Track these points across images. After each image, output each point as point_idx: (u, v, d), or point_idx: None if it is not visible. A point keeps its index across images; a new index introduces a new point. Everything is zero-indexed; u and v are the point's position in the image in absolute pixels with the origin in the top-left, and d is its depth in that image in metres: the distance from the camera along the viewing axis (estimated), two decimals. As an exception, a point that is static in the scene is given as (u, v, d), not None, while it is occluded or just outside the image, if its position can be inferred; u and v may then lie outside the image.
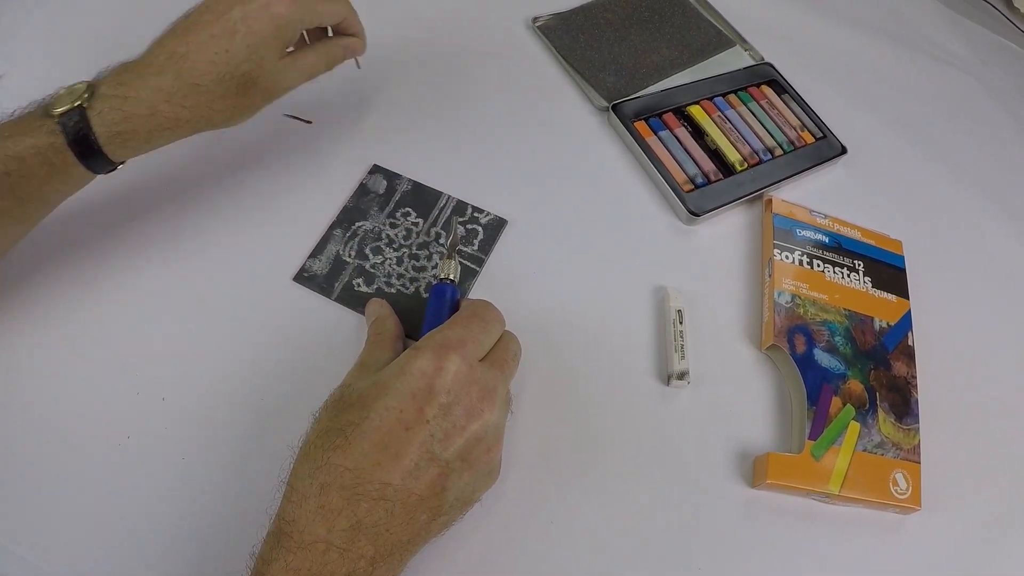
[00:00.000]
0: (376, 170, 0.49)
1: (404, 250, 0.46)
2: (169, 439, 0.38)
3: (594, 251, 0.48)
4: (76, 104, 0.34)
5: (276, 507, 0.30)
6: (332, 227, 0.46)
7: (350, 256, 0.45)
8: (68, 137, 0.34)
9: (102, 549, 0.35)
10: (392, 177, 0.49)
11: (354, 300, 0.43)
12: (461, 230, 0.42)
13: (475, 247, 0.46)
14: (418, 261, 0.45)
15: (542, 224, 0.49)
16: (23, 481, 0.36)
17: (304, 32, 0.42)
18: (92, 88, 0.35)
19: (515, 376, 0.36)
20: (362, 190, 0.48)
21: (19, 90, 0.50)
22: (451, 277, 0.40)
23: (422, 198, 0.48)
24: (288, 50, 0.40)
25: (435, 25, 0.58)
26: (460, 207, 0.48)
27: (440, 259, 0.40)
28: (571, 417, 0.41)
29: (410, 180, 0.48)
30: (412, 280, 0.44)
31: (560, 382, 0.42)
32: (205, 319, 0.42)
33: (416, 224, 0.47)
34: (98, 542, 0.35)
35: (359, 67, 0.48)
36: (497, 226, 0.47)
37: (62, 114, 0.34)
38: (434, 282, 0.42)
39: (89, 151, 0.35)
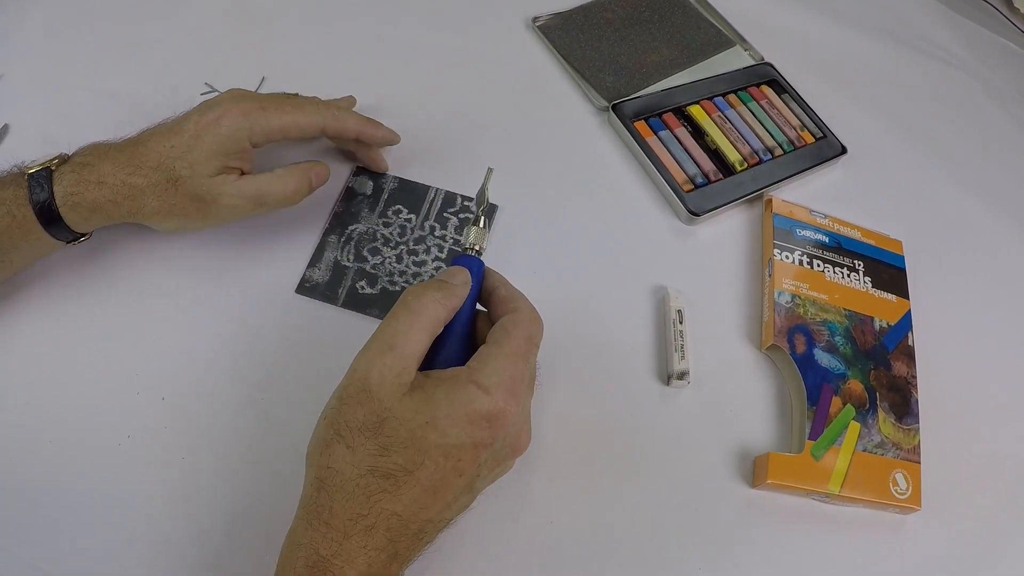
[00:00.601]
0: (360, 171, 0.49)
1: (402, 247, 0.46)
2: (169, 439, 0.38)
3: (594, 251, 0.48)
4: (46, 166, 0.37)
5: (305, 534, 0.28)
6: (326, 234, 0.46)
7: (349, 260, 0.45)
8: (31, 193, 0.36)
9: (102, 549, 0.35)
10: (376, 177, 0.49)
11: (361, 303, 0.43)
12: (487, 191, 0.36)
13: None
14: (417, 256, 0.45)
15: (542, 224, 0.49)
16: (23, 481, 0.36)
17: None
18: (66, 158, 0.38)
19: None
20: (349, 193, 0.48)
21: (19, 90, 0.50)
22: (477, 247, 0.35)
23: (410, 194, 0.48)
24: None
25: (435, 25, 0.59)
26: (449, 197, 0.48)
27: (467, 225, 0.36)
28: (571, 417, 0.41)
29: (395, 177, 0.49)
30: (415, 275, 0.45)
31: (560, 382, 0.42)
32: (207, 321, 0.42)
33: (409, 220, 0.47)
34: (98, 542, 0.35)
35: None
36: (488, 212, 0.47)
37: (32, 173, 0.37)
38: (457, 252, 0.38)
39: (48, 211, 0.37)
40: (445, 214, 0.47)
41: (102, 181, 0.37)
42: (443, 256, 0.46)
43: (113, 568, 0.34)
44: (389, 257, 0.45)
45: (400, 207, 0.47)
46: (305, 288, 0.43)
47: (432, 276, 0.45)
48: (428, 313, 0.31)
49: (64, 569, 0.34)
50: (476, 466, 0.30)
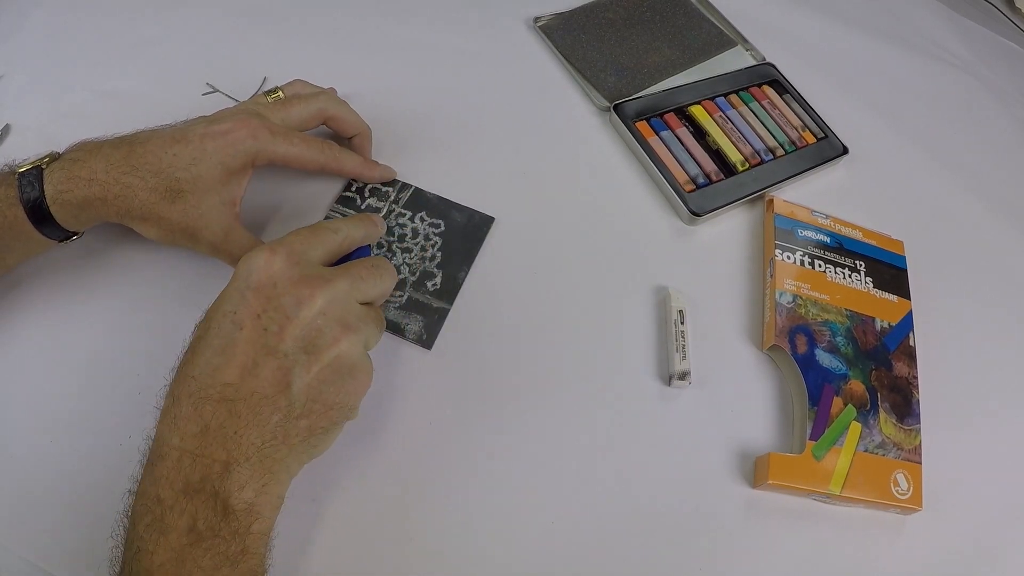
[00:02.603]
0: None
1: (396, 247, 0.46)
2: (170, 439, 0.38)
3: (595, 251, 0.48)
4: (37, 164, 0.37)
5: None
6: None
7: None
8: (22, 193, 0.36)
9: (103, 549, 0.35)
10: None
11: None
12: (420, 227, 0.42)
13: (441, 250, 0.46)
14: (411, 254, 0.45)
15: (543, 224, 0.49)
16: (24, 481, 0.36)
17: None
18: (57, 155, 0.38)
19: (379, 289, 0.35)
20: (345, 199, 0.47)
21: (20, 90, 0.50)
22: None
23: (416, 199, 0.48)
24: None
25: (435, 25, 0.58)
26: (418, 193, 0.48)
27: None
28: (571, 417, 0.41)
29: (402, 183, 0.48)
30: (413, 273, 0.44)
31: (560, 382, 0.42)
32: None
33: (406, 223, 0.47)
34: (98, 542, 0.35)
35: None
36: (481, 223, 0.47)
37: (23, 171, 0.36)
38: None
39: (39, 210, 0.36)
40: (434, 218, 0.47)
41: (92, 178, 0.37)
42: (439, 257, 0.46)
43: (114, 567, 0.34)
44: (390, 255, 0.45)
45: (403, 211, 0.47)
46: None
47: (427, 275, 0.45)
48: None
49: (64, 566, 0.34)
50: (255, 317, 0.30)
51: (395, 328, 0.42)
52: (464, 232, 0.47)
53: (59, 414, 0.38)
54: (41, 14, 0.55)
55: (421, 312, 0.43)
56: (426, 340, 0.42)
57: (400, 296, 0.44)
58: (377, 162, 0.48)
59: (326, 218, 0.46)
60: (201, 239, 0.40)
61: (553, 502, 0.38)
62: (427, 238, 0.46)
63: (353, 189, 0.48)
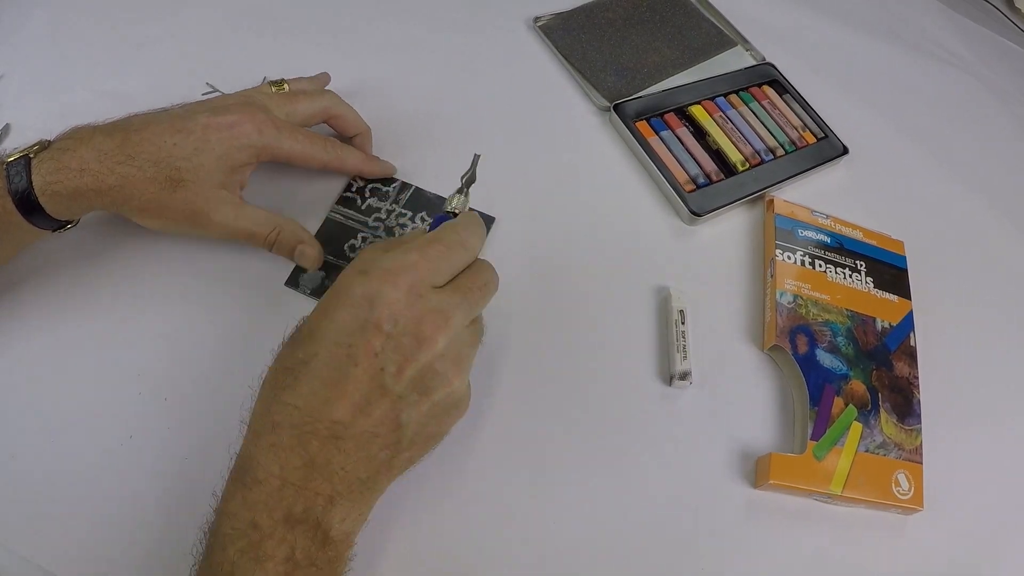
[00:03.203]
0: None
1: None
2: (171, 439, 0.38)
3: (596, 251, 0.48)
4: (24, 154, 0.35)
5: (240, 441, 0.31)
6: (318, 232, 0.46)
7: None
8: (9, 184, 0.35)
9: (103, 549, 0.35)
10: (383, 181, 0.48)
11: None
12: (477, 167, 0.40)
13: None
14: None
15: (544, 224, 0.48)
16: (24, 481, 0.36)
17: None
18: (46, 144, 0.36)
19: (486, 305, 0.34)
20: (346, 200, 0.47)
21: (19, 91, 0.50)
22: (455, 211, 0.38)
23: (416, 198, 0.48)
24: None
25: (435, 25, 0.58)
26: (418, 193, 0.48)
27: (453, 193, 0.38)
28: (573, 417, 0.41)
29: (402, 182, 0.48)
30: None
31: (561, 382, 0.42)
32: (208, 321, 0.42)
33: (405, 221, 0.47)
34: (99, 542, 0.35)
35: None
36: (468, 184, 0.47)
37: (10, 162, 0.35)
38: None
39: (27, 200, 0.35)
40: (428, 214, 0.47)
41: (84, 168, 0.35)
42: None
43: (114, 567, 0.34)
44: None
45: (403, 211, 0.47)
46: (295, 283, 0.43)
47: None
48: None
49: (65, 568, 0.34)
50: (372, 356, 0.29)
51: None
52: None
53: (59, 414, 0.38)
54: (41, 14, 0.55)
55: None
56: None
57: None
58: (378, 158, 0.48)
59: (327, 220, 0.46)
60: (210, 224, 0.39)
61: (553, 502, 0.38)
62: None
63: (353, 190, 0.48)
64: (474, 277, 0.34)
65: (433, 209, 0.47)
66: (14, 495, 0.36)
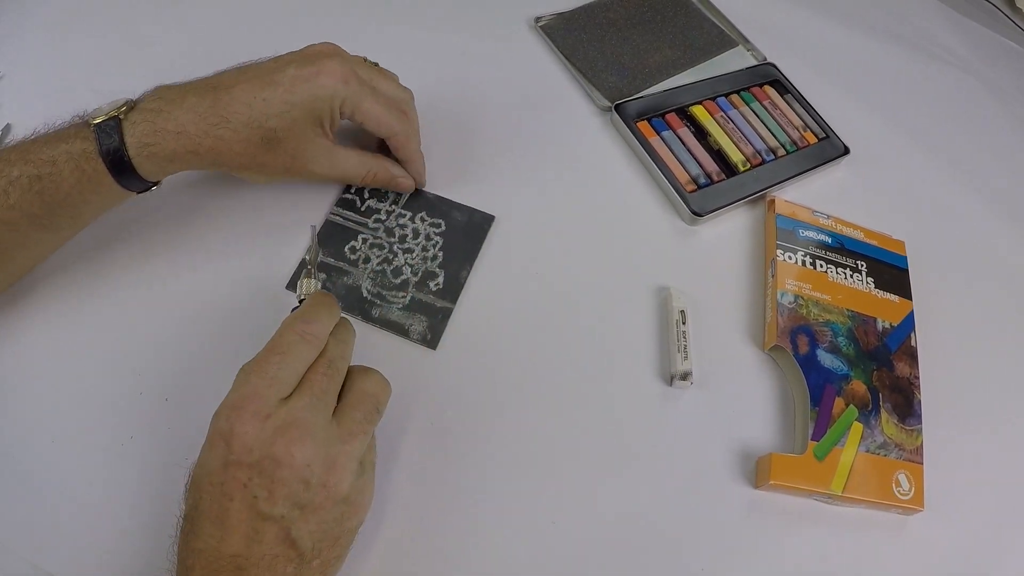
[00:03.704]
0: None
1: (396, 247, 0.46)
2: (172, 440, 0.38)
3: (596, 251, 0.48)
4: (113, 115, 0.35)
5: None
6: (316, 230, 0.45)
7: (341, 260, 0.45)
8: (101, 146, 0.35)
9: (103, 549, 0.35)
10: None
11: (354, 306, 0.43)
12: (314, 243, 0.40)
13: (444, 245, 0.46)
14: (412, 254, 0.45)
15: (544, 224, 0.48)
16: (25, 481, 0.36)
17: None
18: (133, 103, 0.37)
19: (339, 383, 0.33)
20: (345, 202, 0.47)
21: (19, 91, 0.50)
22: (303, 298, 0.37)
23: (414, 199, 0.48)
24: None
25: (437, 25, 0.58)
26: (418, 193, 0.48)
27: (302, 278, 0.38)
28: (573, 417, 0.41)
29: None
30: (399, 277, 0.45)
31: (562, 382, 0.42)
32: (210, 322, 0.42)
33: (404, 223, 0.47)
34: (99, 542, 0.35)
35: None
36: (482, 222, 0.47)
37: (99, 123, 0.35)
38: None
39: (120, 162, 0.35)
40: (435, 218, 0.47)
41: (181, 131, 0.36)
42: (441, 256, 0.46)
43: (115, 568, 0.34)
44: (378, 258, 0.45)
45: (403, 211, 0.47)
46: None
47: (429, 275, 0.45)
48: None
49: (66, 568, 0.34)
50: (242, 487, 0.29)
51: (399, 329, 0.42)
52: (465, 231, 0.47)
53: (59, 415, 0.38)
54: (42, 14, 0.55)
55: (425, 312, 0.43)
56: (431, 340, 0.42)
57: (403, 297, 0.44)
58: (424, 167, 0.47)
59: (326, 222, 0.46)
60: (308, 173, 0.41)
61: (554, 501, 0.38)
62: (428, 238, 0.46)
63: (353, 191, 0.48)
64: (315, 372, 0.32)
65: (433, 210, 0.47)
66: (14, 495, 0.36)
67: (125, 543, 0.35)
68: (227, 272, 0.43)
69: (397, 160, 0.45)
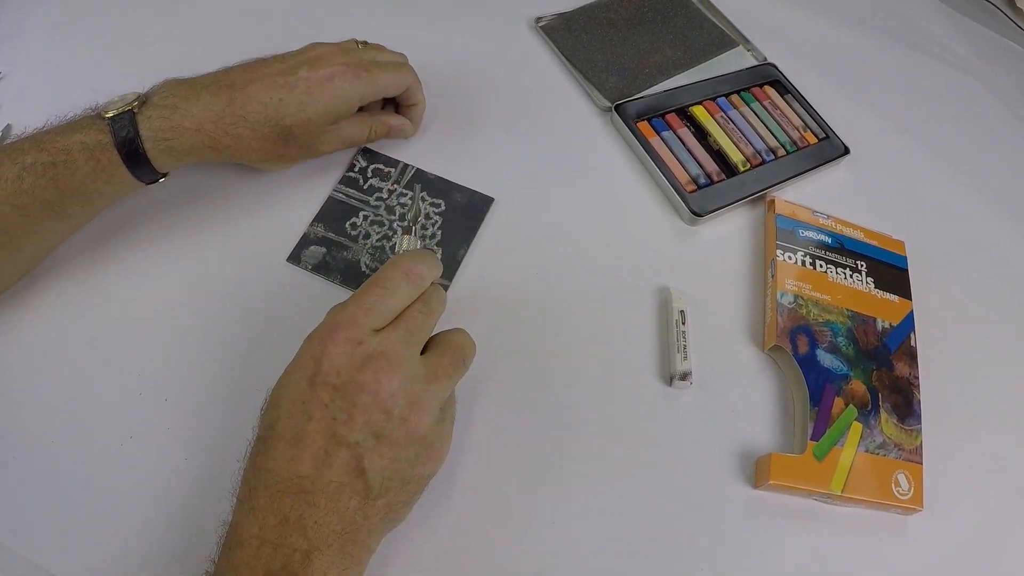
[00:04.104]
0: (366, 152, 0.49)
1: (396, 224, 0.46)
2: (171, 440, 0.38)
3: (596, 251, 0.48)
4: (127, 109, 0.37)
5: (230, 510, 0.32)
6: (316, 221, 0.46)
7: (343, 236, 0.45)
8: (116, 138, 0.36)
9: (103, 549, 0.35)
10: (388, 162, 0.49)
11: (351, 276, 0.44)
12: (421, 207, 0.42)
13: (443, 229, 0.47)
14: (410, 233, 0.46)
15: (545, 224, 0.49)
16: (25, 481, 0.36)
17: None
18: (144, 97, 0.38)
19: (431, 329, 0.35)
20: (349, 179, 0.48)
21: (19, 91, 0.50)
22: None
23: (417, 179, 0.49)
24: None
25: (437, 25, 0.58)
26: (420, 174, 0.49)
27: (399, 234, 0.40)
28: (573, 416, 0.41)
29: (409, 165, 0.49)
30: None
31: (562, 382, 0.42)
32: (208, 319, 0.42)
33: (404, 201, 0.48)
34: (99, 542, 0.35)
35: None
36: (481, 203, 0.48)
37: (113, 116, 0.36)
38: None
39: (134, 154, 0.37)
40: (435, 198, 0.48)
41: (199, 128, 0.37)
42: (439, 235, 0.46)
43: (114, 567, 0.34)
44: (378, 235, 0.46)
45: (404, 190, 0.48)
46: (309, 267, 0.44)
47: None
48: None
49: (66, 568, 0.34)
50: (323, 407, 0.30)
51: None
52: (464, 212, 0.48)
53: (59, 414, 0.38)
54: (42, 14, 0.55)
55: None
56: None
57: None
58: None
59: (329, 199, 0.47)
60: (320, 153, 0.44)
61: (553, 501, 0.38)
62: (428, 217, 0.47)
63: (356, 169, 0.48)
64: (413, 311, 0.34)
65: (434, 190, 0.48)
66: (14, 495, 0.36)
67: (125, 542, 0.35)
68: (226, 255, 0.44)
69: (403, 109, 0.48)
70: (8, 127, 0.48)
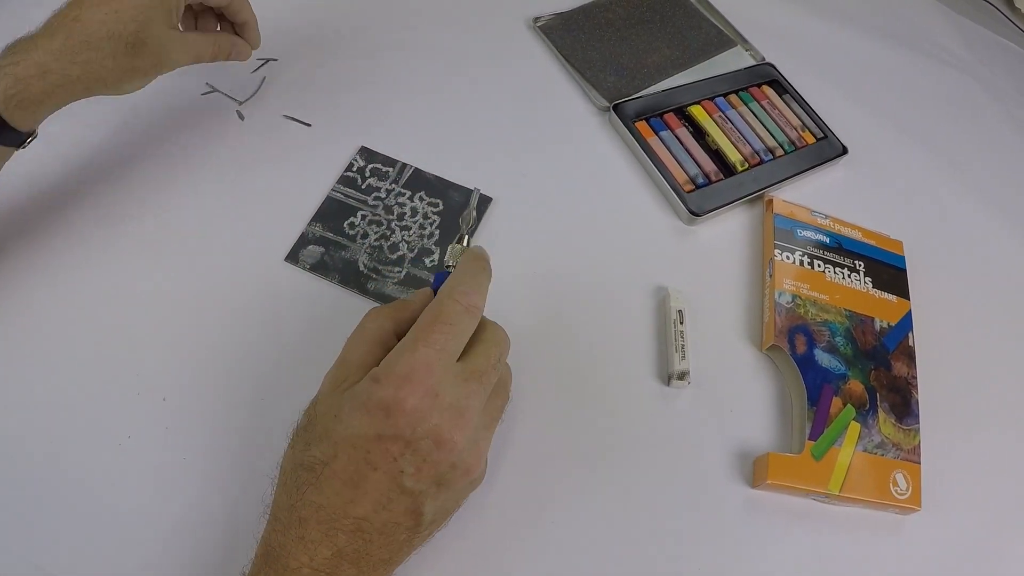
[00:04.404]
0: (365, 152, 0.50)
1: (394, 224, 0.47)
2: (170, 439, 0.38)
3: (595, 251, 0.48)
4: None
5: (261, 531, 0.31)
6: (314, 220, 0.46)
7: (343, 237, 0.46)
8: None
9: (102, 549, 0.35)
10: (387, 162, 0.49)
11: (352, 280, 0.44)
12: (474, 213, 0.40)
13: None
14: (410, 231, 0.46)
15: (543, 224, 0.49)
16: (24, 481, 0.36)
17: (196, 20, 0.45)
18: None
19: (506, 365, 0.34)
20: (348, 179, 0.48)
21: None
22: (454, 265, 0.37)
23: (416, 180, 0.49)
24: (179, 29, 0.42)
25: (436, 25, 0.59)
26: (418, 174, 0.49)
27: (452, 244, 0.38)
28: (571, 417, 0.41)
29: (408, 165, 0.49)
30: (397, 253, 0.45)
31: (560, 382, 0.42)
32: (206, 319, 0.42)
33: (403, 201, 0.48)
34: (98, 542, 0.35)
35: (241, 119, 0.49)
36: (479, 203, 0.47)
37: None
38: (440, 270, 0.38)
39: None
40: (433, 197, 0.48)
41: (45, 71, 0.37)
42: (437, 235, 0.46)
43: (113, 567, 0.34)
44: (377, 234, 0.46)
45: (403, 190, 0.48)
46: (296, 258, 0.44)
47: (425, 252, 0.46)
48: (372, 326, 0.33)
49: (65, 568, 0.34)
50: (391, 461, 0.29)
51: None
52: (462, 211, 0.47)
53: (58, 414, 0.38)
54: (41, 14, 0.55)
55: (419, 287, 0.44)
56: None
57: (399, 272, 0.45)
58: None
59: (327, 199, 0.47)
60: (172, 64, 0.42)
61: (551, 501, 0.38)
62: (425, 216, 0.47)
63: (354, 169, 0.49)
64: (487, 355, 0.32)
65: (432, 190, 0.48)
66: (14, 495, 0.36)
67: (125, 542, 0.35)
68: (227, 260, 0.44)
69: (237, 28, 0.47)
70: (7, 127, 0.48)
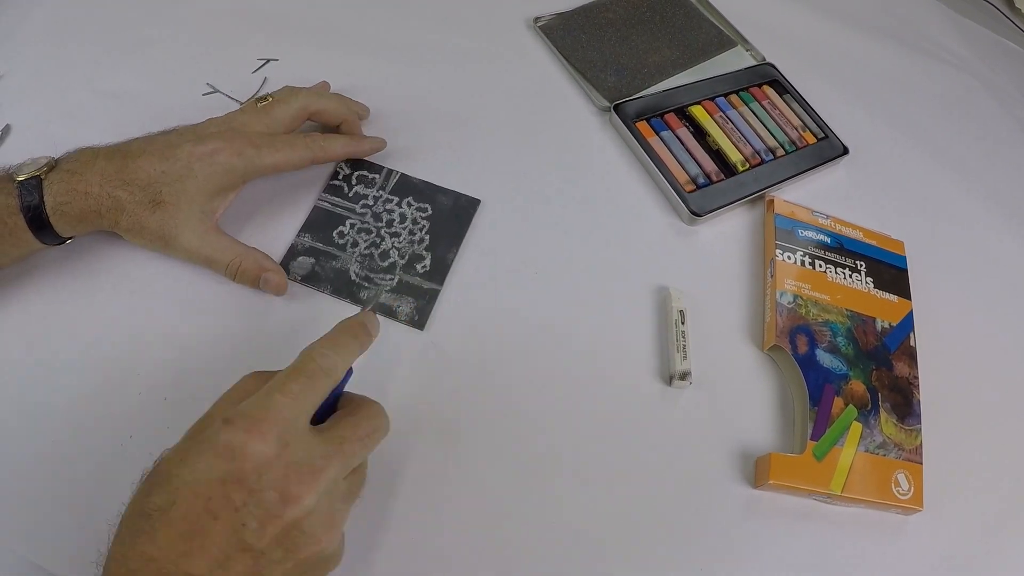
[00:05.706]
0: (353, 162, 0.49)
1: (384, 231, 0.46)
2: (171, 439, 0.37)
3: (596, 251, 0.48)
4: (35, 174, 0.37)
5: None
6: (303, 231, 0.46)
7: (330, 245, 0.45)
8: (22, 202, 0.37)
9: (103, 549, 0.35)
10: (374, 170, 0.49)
11: (344, 289, 0.44)
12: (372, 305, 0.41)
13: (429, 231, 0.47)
14: (399, 238, 0.46)
15: (544, 224, 0.49)
16: (24, 481, 0.36)
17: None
18: (54, 162, 0.38)
19: (368, 454, 0.32)
20: (333, 188, 0.48)
21: (19, 91, 0.50)
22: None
23: (403, 186, 0.48)
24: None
25: (436, 25, 0.58)
26: (405, 179, 0.48)
27: None
28: (573, 417, 0.41)
29: (395, 171, 0.49)
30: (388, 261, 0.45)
31: (561, 382, 0.42)
32: (206, 318, 0.42)
33: (392, 209, 0.47)
34: (99, 542, 0.35)
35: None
36: (468, 206, 0.48)
37: (22, 180, 0.37)
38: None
39: (38, 219, 0.37)
40: (421, 202, 0.48)
41: (88, 191, 0.38)
42: (427, 240, 0.46)
43: (115, 569, 0.34)
44: (367, 243, 0.46)
45: (390, 196, 0.48)
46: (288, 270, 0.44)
47: (416, 258, 0.45)
48: (244, 385, 0.32)
49: (66, 568, 0.34)
50: (233, 511, 0.27)
51: (387, 311, 0.43)
52: (451, 215, 0.47)
53: (59, 415, 0.38)
54: (41, 14, 0.55)
55: (412, 294, 0.44)
56: (418, 321, 0.43)
57: (391, 279, 0.44)
58: (365, 137, 0.49)
59: (314, 208, 0.46)
60: (176, 246, 0.40)
61: (550, 501, 0.38)
62: (415, 222, 0.47)
63: (340, 177, 0.48)
64: (355, 427, 0.31)
65: (419, 195, 0.48)
66: (14, 495, 0.36)
67: (124, 543, 0.35)
68: (221, 278, 0.43)
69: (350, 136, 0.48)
70: (8, 127, 0.48)
